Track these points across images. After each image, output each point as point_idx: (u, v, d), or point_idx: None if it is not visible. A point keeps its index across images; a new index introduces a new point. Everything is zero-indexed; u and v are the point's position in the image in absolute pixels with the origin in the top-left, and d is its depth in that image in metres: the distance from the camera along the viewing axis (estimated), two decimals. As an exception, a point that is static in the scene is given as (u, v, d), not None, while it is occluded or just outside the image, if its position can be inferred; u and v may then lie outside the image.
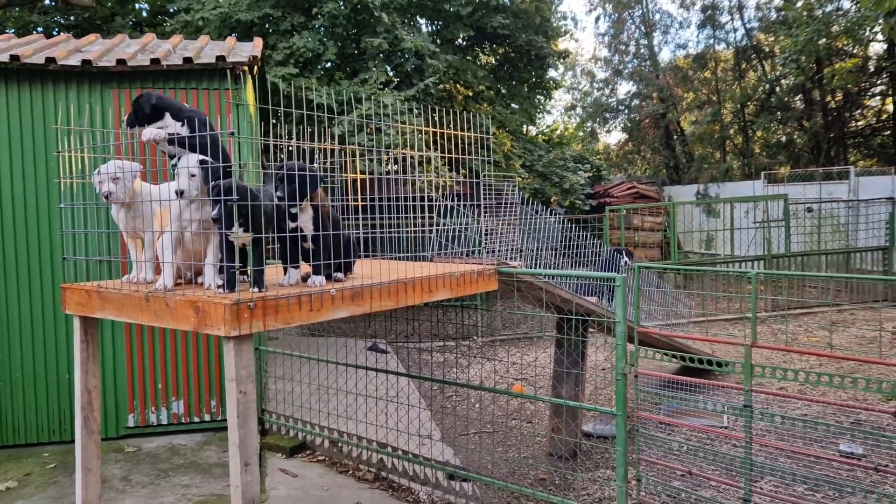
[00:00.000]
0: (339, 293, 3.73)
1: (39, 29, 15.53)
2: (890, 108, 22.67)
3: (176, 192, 3.41)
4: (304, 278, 3.98)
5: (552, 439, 6.33)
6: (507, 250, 5.27)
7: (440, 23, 16.52)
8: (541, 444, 6.85)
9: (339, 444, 6.16)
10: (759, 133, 24.90)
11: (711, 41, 25.73)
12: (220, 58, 6.41)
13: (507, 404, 8.08)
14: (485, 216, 4.95)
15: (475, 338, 11.55)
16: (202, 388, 6.62)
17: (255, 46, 7.26)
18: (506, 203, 5.34)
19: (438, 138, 4.60)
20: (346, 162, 4.34)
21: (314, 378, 6.66)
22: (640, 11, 27.09)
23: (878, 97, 23.31)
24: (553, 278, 5.35)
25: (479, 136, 4.81)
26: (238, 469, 3.29)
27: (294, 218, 3.74)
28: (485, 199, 4.96)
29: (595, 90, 29.55)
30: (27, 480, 5.56)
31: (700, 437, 5.94)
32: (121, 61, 6.24)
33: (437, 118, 4.31)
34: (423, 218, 4.80)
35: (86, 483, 4.16)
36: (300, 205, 3.75)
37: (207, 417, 6.66)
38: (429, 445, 6.00)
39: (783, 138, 24.45)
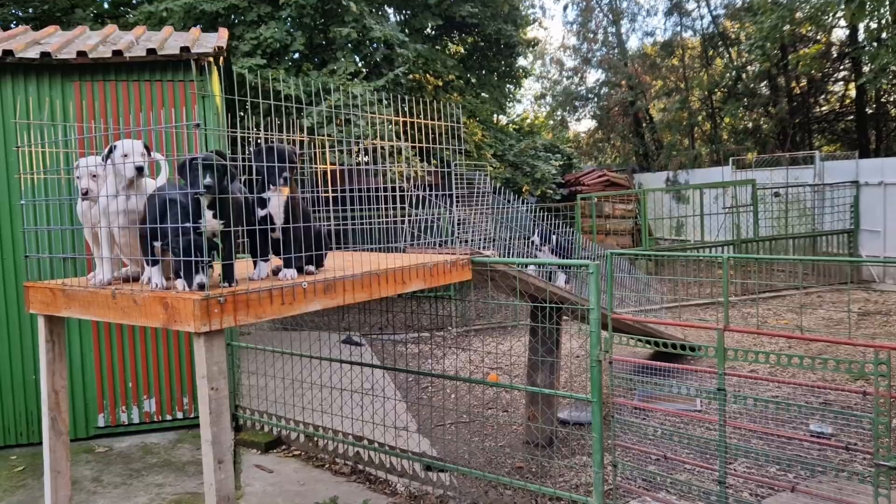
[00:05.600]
0: (312, 286, 3.68)
1: (-4, 22, 15.11)
2: (853, 93, 23.04)
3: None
4: (275, 272, 3.93)
5: (528, 427, 6.36)
6: (479, 240, 5.25)
7: (408, 12, 16.40)
8: (517, 433, 6.87)
9: (315, 439, 6.11)
10: (726, 119, 25.17)
11: (678, 28, 25.94)
12: (185, 49, 6.28)
13: (483, 394, 8.09)
14: (457, 206, 4.92)
15: (449, 328, 11.54)
16: (174, 385, 6.52)
17: (221, 37, 7.13)
18: (478, 192, 5.32)
19: (409, 128, 4.55)
20: (316, 153, 4.29)
21: (288, 373, 6.60)
22: (608, -1, 27.21)
23: (841, 83, 23.69)
24: (526, 266, 5.35)
25: (450, 126, 4.78)
26: (212, 467, 3.24)
27: (263, 204, 3.68)
28: (457, 188, 4.93)
29: (564, 79, 29.64)
30: (-6, 484, 5.43)
31: (674, 422, 6.00)
32: (81, 53, 6.08)
33: (407, 108, 4.27)
34: (395, 209, 4.76)
35: (55, 486, 4.08)
36: (278, 188, 3.70)
37: (180, 415, 6.56)
38: (405, 437, 5.98)
39: (750, 124, 24.75)
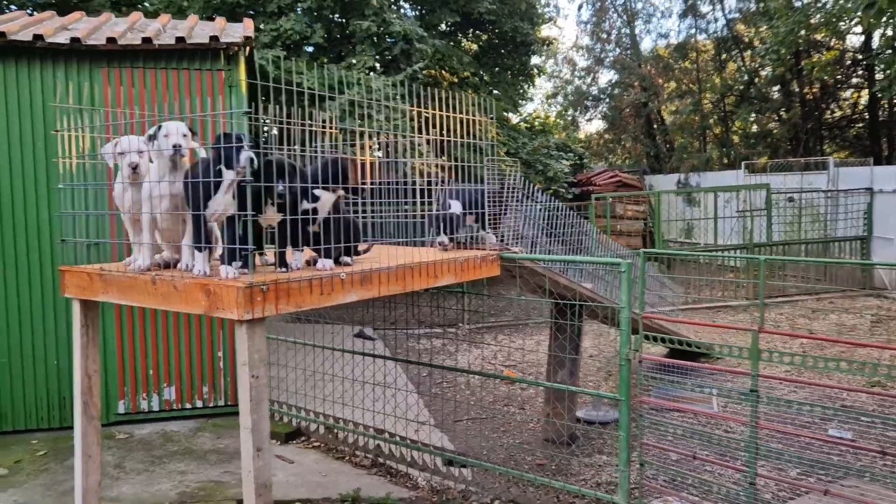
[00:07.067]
0: (349, 277, 3.69)
1: (13, 7, 15.10)
2: (865, 100, 22.99)
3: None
4: (308, 263, 3.94)
5: (548, 424, 6.35)
6: (507, 236, 5.24)
7: (425, 8, 16.36)
8: (534, 431, 6.87)
9: (335, 431, 6.12)
10: (737, 123, 25.12)
11: (693, 31, 25.86)
12: (214, 38, 6.28)
13: (498, 390, 8.09)
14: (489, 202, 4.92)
15: (461, 324, 11.53)
16: (194, 374, 6.53)
17: (247, 27, 7.12)
18: (508, 188, 5.31)
19: (439, 121, 4.53)
20: (352, 145, 4.30)
21: (307, 364, 6.60)
22: (623, 0, 27.11)
23: (853, 89, 23.62)
24: (554, 264, 5.34)
25: (480, 120, 4.78)
26: (251, 454, 3.24)
27: (315, 199, 3.72)
28: (488, 184, 4.93)
29: (576, 78, 29.56)
30: (18, 468, 5.44)
31: (698, 421, 5.99)
32: (111, 40, 6.09)
33: (433, 101, 4.24)
34: (422, 203, 4.75)
35: (86, 470, 4.08)
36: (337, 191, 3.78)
37: (200, 404, 6.57)
38: (426, 431, 5.99)
39: (763, 129, 24.68)
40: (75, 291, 3.93)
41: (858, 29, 20.42)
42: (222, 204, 3.36)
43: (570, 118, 29.10)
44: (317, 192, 3.69)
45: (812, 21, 18.87)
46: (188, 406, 6.55)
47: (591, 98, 28.23)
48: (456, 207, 4.70)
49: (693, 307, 12.07)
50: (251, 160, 3.19)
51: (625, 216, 17.86)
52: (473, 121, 4.68)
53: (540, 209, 5.87)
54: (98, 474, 4.16)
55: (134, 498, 4.94)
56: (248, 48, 6.81)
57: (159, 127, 3.48)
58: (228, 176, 3.29)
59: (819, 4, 19.32)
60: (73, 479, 5.08)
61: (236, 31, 6.83)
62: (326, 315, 10.95)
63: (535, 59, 20.14)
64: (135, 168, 3.61)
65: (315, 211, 3.74)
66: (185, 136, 3.49)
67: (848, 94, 24.05)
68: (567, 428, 5.95)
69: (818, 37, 20.87)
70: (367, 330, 10.47)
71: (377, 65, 13.22)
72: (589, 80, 28.77)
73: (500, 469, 5.17)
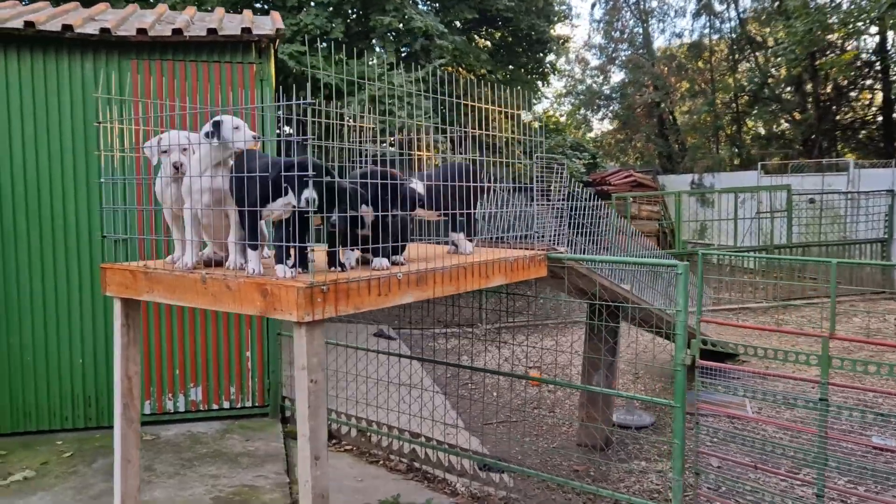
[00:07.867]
0: (406, 277, 3.53)
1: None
2: (879, 101, 22.81)
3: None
4: (359, 262, 3.80)
5: (582, 429, 6.21)
6: (552, 236, 5.09)
7: (438, 4, 16.17)
8: (567, 435, 6.73)
9: (368, 434, 5.96)
10: (750, 123, 24.95)
11: (707, 30, 25.67)
12: (246, 29, 6.12)
13: (526, 392, 7.94)
14: (536, 201, 4.76)
15: (479, 324, 11.38)
16: (222, 374, 6.38)
17: (275, 20, 6.96)
18: (555, 187, 5.16)
19: (472, 113, 4.36)
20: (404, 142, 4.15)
21: (338, 366, 6.44)
22: (636, -1, 26.93)
23: (866, 90, 23.45)
24: (600, 265, 5.19)
25: (520, 113, 4.62)
26: (308, 462, 3.09)
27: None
28: (537, 182, 4.78)
29: (588, 77, 29.37)
30: (45, 469, 5.29)
31: (734, 426, 5.83)
32: (141, 31, 5.93)
33: (461, 95, 4.07)
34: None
35: (125, 475, 3.93)
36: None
37: (227, 405, 6.42)
38: (461, 435, 5.84)
39: (776, 129, 24.51)
40: (117, 290, 3.78)
41: (873, 30, 20.28)
42: (279, 210, 3.20)
43: (581, 117, 28.93)
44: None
45: (830, 21, 18.72)
46: (215, 407, 6.40)
47: (602, 97, 28.05)
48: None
49: (713, 308, 11.91)
50: (313, 201, 3.00)
51: (639, 216, 17.70)
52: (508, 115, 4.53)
53: (584, 208, 5.71)
54: (137, 479, 4.01)
55: (169, 503, 4.79)
56: (276, 41, 6.67)
57: (220, 122, 3.31)
58: (289, 199, 3.12)
59: (834, 4, 19.18)
60: (102, 482, 4.97)
61: (266, 24, 6.67)
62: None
63: (550, 57, 19.94)
64: (178, 167, 3.45)
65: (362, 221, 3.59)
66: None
67: (863, 95, 23.89)
68: (602, 432, 5.81)
69: (833, 37, 20.70)
70: (386, 329, 10.33)
71: (391, 62, 13.04)
72: (601, 79, 28.60)
73: (545, 476, 5.01)
